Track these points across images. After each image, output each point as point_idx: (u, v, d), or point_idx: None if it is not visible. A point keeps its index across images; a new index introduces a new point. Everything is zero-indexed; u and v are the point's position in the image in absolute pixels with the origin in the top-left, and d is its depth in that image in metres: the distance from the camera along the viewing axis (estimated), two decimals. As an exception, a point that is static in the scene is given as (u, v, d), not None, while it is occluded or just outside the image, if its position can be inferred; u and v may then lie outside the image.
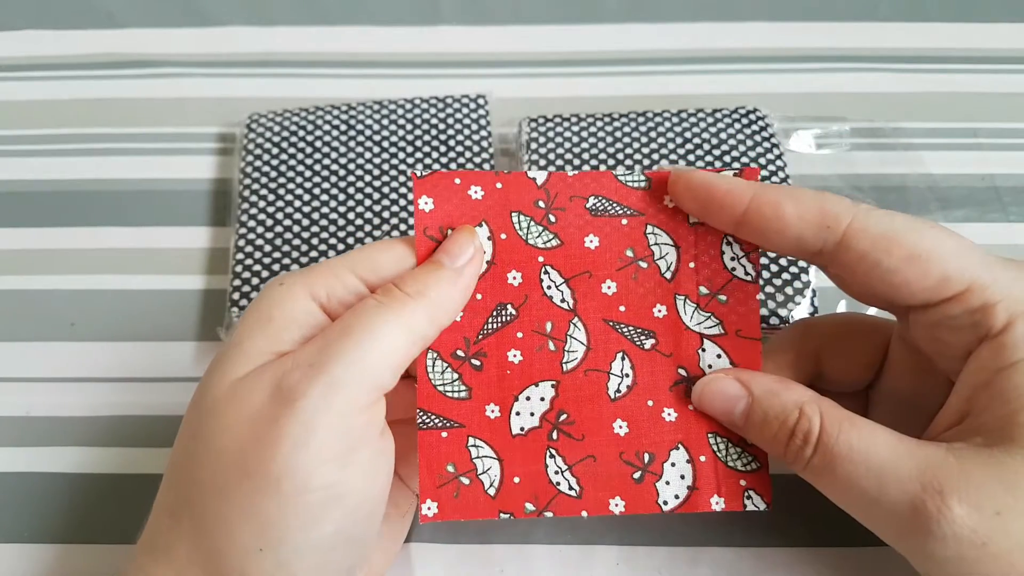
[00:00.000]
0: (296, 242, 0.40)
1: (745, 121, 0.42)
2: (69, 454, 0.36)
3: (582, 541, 0.33)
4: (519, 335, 0.29)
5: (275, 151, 0.42)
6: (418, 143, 0.43)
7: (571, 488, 0.29)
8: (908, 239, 0.25)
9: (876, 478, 0.24)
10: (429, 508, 0.28)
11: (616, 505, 0.29)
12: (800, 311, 0.36)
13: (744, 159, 0.41)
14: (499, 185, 0.28)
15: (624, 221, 0.29)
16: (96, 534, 0.34)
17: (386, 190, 0.41)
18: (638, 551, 0.33)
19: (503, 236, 0.28)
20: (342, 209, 0.40)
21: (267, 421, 0.24)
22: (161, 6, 0.52)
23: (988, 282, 0.25)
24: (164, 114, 0.47)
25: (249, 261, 0.39)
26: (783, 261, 0.37)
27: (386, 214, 0.40)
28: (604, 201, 0.29)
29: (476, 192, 0.28)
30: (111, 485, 0.35)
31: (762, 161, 0.41)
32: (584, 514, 0.29)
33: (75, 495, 0.35)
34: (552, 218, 0.29)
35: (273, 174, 0.42)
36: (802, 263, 0.37)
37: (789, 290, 0.37)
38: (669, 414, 0.29)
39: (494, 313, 0.29)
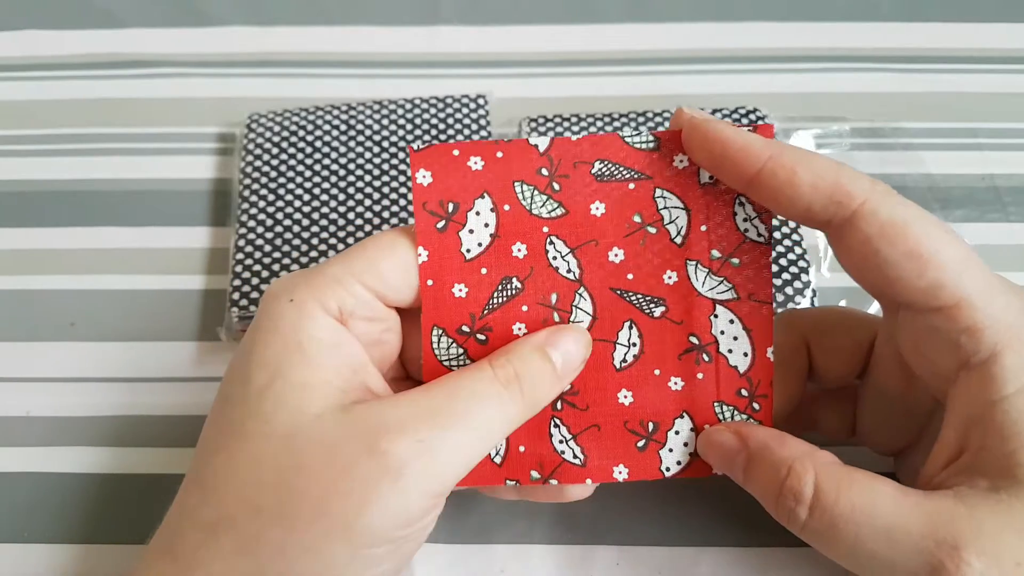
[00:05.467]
0: (296, 242, 0.40)
1: (745, 121, 0.42)
2: (69, 454, 0.36)
3: (582, 541, 0.33)
4: (524, 308, 0.28)
5: (275, 151, 0.42)
6: (418, 143, 0.43)
7: (575, 457, 0.29)
8: (915, 234, 0.24)
9: (885, 538, 0.23)
10: None
11: (620, 472, 0.29)
12: (800, 311, 0.36)
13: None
14: (500, 154, 0.27)
15: (631, 185, 0.28)
16: (96, 534, 0.34)
17: (386, 190, 0.41)
18: (638, 551, 0.33)
19: (506, 207, 0.28)
20: (342, 209, 0.40)
21: (363, 480, 0.24)
22: (161, 6, 0.52)
23: (980, 304, 0.24)
24: (164, 114, 0.47)
25: (249, 261, 0.39)
26: (783, 261, 0.37)
27: (386, 214, 0.40)
28: (610, 165, 0.28)
29: (476, 163, 0.27)
30: (111, 485, 0.35)
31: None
32: (588, 482, 0.29)
33: (75, 495, 0.35)
34: (556, 186, 0.28)
35: (273, 174, 0.42)
36: (802, 263, 0.37)
37: (789, 290, 0.37)
38: (676, 383, 0.29)
39: (499, 287, 0.28)
